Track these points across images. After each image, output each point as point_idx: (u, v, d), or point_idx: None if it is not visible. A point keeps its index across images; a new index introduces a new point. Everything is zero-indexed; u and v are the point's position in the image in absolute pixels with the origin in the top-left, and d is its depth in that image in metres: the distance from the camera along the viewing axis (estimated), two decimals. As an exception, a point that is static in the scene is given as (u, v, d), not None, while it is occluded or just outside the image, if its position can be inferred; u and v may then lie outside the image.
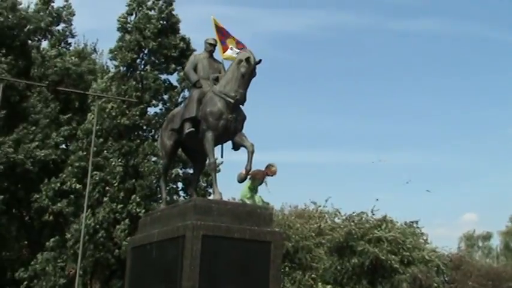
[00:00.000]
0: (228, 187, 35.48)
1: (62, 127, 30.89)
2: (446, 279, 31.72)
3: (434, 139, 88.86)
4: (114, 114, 28.71)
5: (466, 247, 57.69)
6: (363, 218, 30.91)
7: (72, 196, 28.50)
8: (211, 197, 10.78)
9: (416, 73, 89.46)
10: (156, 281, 10.20)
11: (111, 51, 30.34)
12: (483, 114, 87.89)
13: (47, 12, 33.42)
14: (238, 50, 11.97)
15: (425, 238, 32.54)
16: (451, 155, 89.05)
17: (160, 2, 30.87)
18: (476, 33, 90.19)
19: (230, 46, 12.31)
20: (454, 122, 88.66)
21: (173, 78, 31.17)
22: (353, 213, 31.53)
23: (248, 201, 11.31)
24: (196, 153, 11.86)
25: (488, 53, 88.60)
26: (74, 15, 34.25)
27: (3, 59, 29.15)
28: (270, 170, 11.72)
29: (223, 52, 12.15)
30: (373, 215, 30.99)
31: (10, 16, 30.80)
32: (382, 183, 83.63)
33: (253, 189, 11.52)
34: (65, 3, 34.05)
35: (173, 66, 30.60)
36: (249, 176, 11.15)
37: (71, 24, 34.70)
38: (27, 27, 31.86)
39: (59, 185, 28.38)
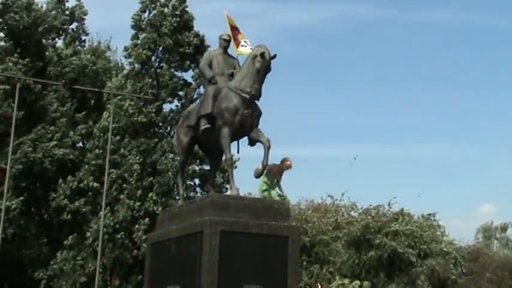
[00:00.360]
0: (245, 183, 35.54)
1: (78, 125, 31.12)
2: (463, 271, 31.60)
3: (451, 131, 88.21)
4: (131, 111, 28.87)
5: (483, 239, 57.33)
6: (380, 212, 30.87)
7: (90, 194, 28.74)
8: (228, 193, 10.79)
9: (435, 65, 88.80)
10: (175, 277, 10.29)
11: (125, 49, 30.51)
12: (500, 106, 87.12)
13: (60, 10, 33.59)
14: (249, 45, 11.98)
15: (442, 230, 32.43)
16: (468, 147, 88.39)
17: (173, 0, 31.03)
18: (489, 23, 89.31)
19: (242, 41, 12.31)
20: (472, 113, 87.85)
21: (188, 75, 31.31)
22: (370, 206, 31.53)
23: (264, 195, 11.38)
24: (212, 150, 11.90)
25: (506, 44, 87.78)
26: (86, 14, 34.42)
27: (20, 60, 29.37)
28: (284, 165, 11.88)
29: (237, 48, 12.15)
30: (390, 208, 30.96)
31: (25, 15, 31.01)
32: (400, 176, 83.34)
33: (269, 183, 11.58)
34: (77, 2, 34.21)
35: (188, 63, 30.69)
36: (265, 171, 11.23)
37: (84, 23, 34.94)
38: (42, 26, 32.06)
39: (76, 183, 28.61)
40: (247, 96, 10.77)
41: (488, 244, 53.44)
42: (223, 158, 11.23)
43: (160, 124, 30.68)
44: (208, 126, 10.95)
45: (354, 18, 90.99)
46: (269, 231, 9.99)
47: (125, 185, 28.45)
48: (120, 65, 37.60)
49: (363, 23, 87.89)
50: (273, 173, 12.12)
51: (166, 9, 30.77)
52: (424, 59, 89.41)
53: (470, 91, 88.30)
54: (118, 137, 28.83)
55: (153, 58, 30.92)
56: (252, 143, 11.14)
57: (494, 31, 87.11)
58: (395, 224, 29.09)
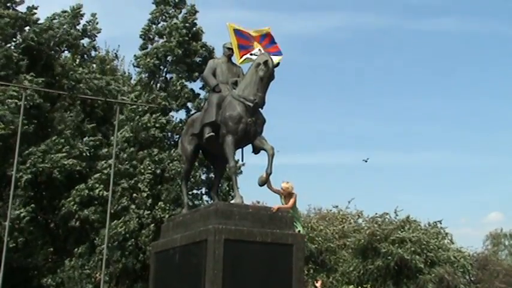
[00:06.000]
0: (250, 191, 35.53)
1: (85, 137, 31.23)
2: (472, 279, 31.42)
3: (458, 139, 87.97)
4: (147, 123, 28.95)
5: (491, 246, 56.98)
6: (386, 219, 30.79)
7: (98, 203, 28.73)
8: (232, 201, 10.76)
9: (441, 72, 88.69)
10: (180, 285, 10.26)
11: (136, 57, 30.62)
12: (507, 111, 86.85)
13: (73, 25, 33.52)
14: (262, 51, 11.86)
15: (450, 238, 32.28)
16: (476, 154, 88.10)
17: (183, 11, 31.13)
18: (494, 31, 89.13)
19: (254, 51, 12.12)
20: (481, 121, 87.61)
21: (196, 86, 31.37)
22: (376, 214, 31.44)
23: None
24: (216, 158, 11.90)
25: (508, 50, 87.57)
26: (99, 32, 34.30)
27: (28, 77, 29.51)
28: (282, 187, 11.69)
29: (241, 56, 12.09)
30: (397, 216, 30.87)
31: (37, 30, 31.15)
32: (405, 184, 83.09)
33: (296, 216, 11.44)
34: (91, 18, 34.14)
35: (196, 74, 30.75)
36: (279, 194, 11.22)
37: (95, 40, 34.91)
38: (53, 40, 32.21)
39: (87, 191, 28.65)
40: (251, 104, 10.79)
41: (496, 252, 53.13)
42: (228, 165, 11.21)
43: (169, 134, 30.77)
44: (212, 134, 10.96)
45: (358, 26, 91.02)
46: (273, 239, 9.96)
47: (135, 195, 28.49)
48: (127, 73, 37.75)
49: (367, 31, 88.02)
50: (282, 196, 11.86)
51: (176, 20, 30.87)
52: (429, 66, 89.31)
53: (479, 98, 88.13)
54: (132, 148, 28.93)
55: (161, 67, 31.02)
56: (256, 150, 11.14)
57: (498, 39, 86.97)
58: (401, 232, 29.00)
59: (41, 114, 30.62)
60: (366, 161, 38.13)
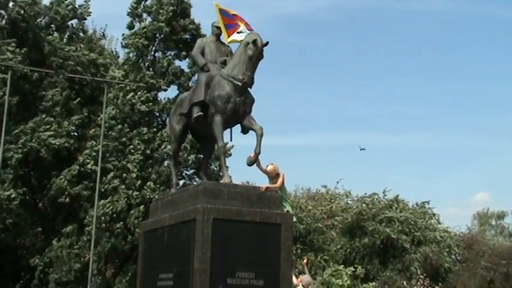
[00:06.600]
0: (239, 171, 35.53)
1: (73, 116, 30.99)
2: (458, 258, 31.74)
3: (447, 120, 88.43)
4: (133, 101, 28.79)
5: (478, 226, 57.49)
6: (375, 199, 30.97)
7: (90, 179, 28.59)
8: (222, 181, 10.76)
9: (431, 54, 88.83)
10: (168, 265, 10.28)
11: (124, 37, 30.34)
12: (493, 92, 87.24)
13: (64, 5, 33.13)
14: (247, 31, 11.80)
15: (437, 218, 32.55)
16: (463, 135, 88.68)
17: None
18: (485, 12, 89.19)
19: (240, 28, 12.08)
20: (468, 102, 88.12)
21: (184, 64, 31.22)
22: (365, 194, 31.60)
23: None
24: (205, 138, 11.87)
25: (497, 30, 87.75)
26: (89, 15, 33.93)
27: (17, 50, 29.21)
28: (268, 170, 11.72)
29: (229, 36, 12.01)
30: (385, 196, 31.06)
31: (27, 8, 30.75)
32: (394, 165, 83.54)
33: (285, 198, 11.48)
34: (84, 3, 33.73)
35: (184, 52, 30.54)
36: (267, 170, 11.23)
37: (84, 22, 34.59)
38: (43, 19, 31.85)
39: (78, 167, 28.53)
40: (240, 83, 10.74)
41: (483, 231, 53.64)
42: (216, 146, 11.18)
43: (157, 114, 30.63)
44: (200, 114, 10.91)
45: (348, 6, 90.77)
46: (262, 218, 9.98)
47: (125, 175, 28.41)
48: (115, 53, 37.40)
49: (357, 11, 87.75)
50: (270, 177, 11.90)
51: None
52: (419, 47, 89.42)
53: (467, 80, 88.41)
54: (120, 126, 28.77)
55: (150, 47, 30.78)
56: (244, 130, 11.12)
57: (492, 20, 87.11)
58: (389, 211, 29.20)
59: (27, 90, 30.29)
60: (363, 149, 38.44)
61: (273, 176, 11.34)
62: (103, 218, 27.29)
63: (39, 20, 31.97)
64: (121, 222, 27.53)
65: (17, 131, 28.35)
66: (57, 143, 28.76)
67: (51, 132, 28.98)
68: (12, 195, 27.54)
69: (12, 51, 28.86)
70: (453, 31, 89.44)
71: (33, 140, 28.38)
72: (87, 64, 31.47)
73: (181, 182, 28.43)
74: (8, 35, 30.28)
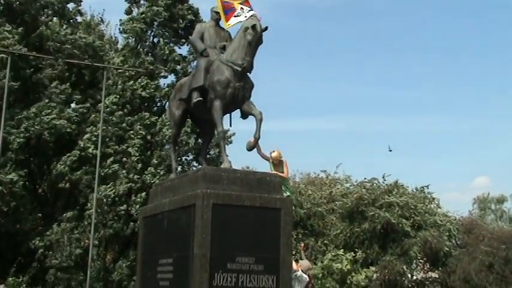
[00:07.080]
0: (239, 157, 35.60)
1: (73, 101, 31.02)
2: (458, 243, 31.80)
3: (447, 103, 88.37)
4: (135, 87, 28.78)
5: (478, 210, 57.60)
6: (375, 184, 30.98)
7: (90, 164, 28.62)
8: (221, 166, 10.75)
9: (432, 35, 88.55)
10: (168, 250, 10.30)
11: (122, 23, 30.24)
12: (493, 76, 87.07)
13: None
14: (244, 14, 11.63)
15: (437, 203, 32.59)
16: (463, 119, 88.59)
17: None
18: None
19: (236, 12, 11.89)
20: (468, 85, 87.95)
21: (183, 50, 31.19)
22: (364, 179, 31.62)
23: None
24: (204, 123, 11.86)
25: (495, 13, 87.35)
26: None
27: (14, 30, 29.10)
28: (272, 157, 11.94)
29: (227, 21, 11.88)
30: (385, 180, 31.07)
31: None
32: (395, 149, 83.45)
33: (288, 188, 11.61)
34: None
35: (183, 40, 30.49)
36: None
37: (80, 5, 34.49)
38: (39, 2, 31.72)
39: (78, 152, 28.57)
40: (239, 68, 10.70)
41: (483, 216, 53.74)
42: (216, 131, 11.17)
43: (158, 99, 30.63)
44: (200, 99, 10.88)
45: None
46: (262, 203, 9.96)
47: (125, 159, 28.45)
48: (113, 39, 37.30)
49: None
50: (272, 163, 12.04)
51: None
52: (420, 29, 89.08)
53: (467, 62, 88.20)
54: (121, 112, 28.78)
55: (148, 32, 30.70)
56: (244, 116, 11.10)
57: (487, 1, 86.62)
58: (389, 196, 29.23)
59: (26, 75, 30.22)
60: (390, 151, 38.60)
61: (276, 163, 11.37)
62: (105, 200, 27.39)
63: (36, 5, 31.83)
64: (124, 206, 27.65)
65: (20, 116, 28.37)
66: (61, 124, 28.74)
67: (54, 116, 29.02)
68: (15, 179, 27.60)
69: (9, 31, 28.78)
70: (450, 14, 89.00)
71: (36, 124, 28.40)
72: (84, 48, 31.35)
73: (180, 168, 28.50)
74: (6, 19, 30.17)
